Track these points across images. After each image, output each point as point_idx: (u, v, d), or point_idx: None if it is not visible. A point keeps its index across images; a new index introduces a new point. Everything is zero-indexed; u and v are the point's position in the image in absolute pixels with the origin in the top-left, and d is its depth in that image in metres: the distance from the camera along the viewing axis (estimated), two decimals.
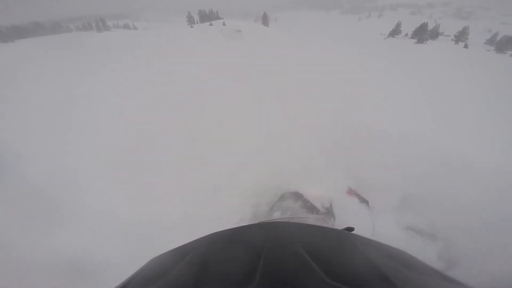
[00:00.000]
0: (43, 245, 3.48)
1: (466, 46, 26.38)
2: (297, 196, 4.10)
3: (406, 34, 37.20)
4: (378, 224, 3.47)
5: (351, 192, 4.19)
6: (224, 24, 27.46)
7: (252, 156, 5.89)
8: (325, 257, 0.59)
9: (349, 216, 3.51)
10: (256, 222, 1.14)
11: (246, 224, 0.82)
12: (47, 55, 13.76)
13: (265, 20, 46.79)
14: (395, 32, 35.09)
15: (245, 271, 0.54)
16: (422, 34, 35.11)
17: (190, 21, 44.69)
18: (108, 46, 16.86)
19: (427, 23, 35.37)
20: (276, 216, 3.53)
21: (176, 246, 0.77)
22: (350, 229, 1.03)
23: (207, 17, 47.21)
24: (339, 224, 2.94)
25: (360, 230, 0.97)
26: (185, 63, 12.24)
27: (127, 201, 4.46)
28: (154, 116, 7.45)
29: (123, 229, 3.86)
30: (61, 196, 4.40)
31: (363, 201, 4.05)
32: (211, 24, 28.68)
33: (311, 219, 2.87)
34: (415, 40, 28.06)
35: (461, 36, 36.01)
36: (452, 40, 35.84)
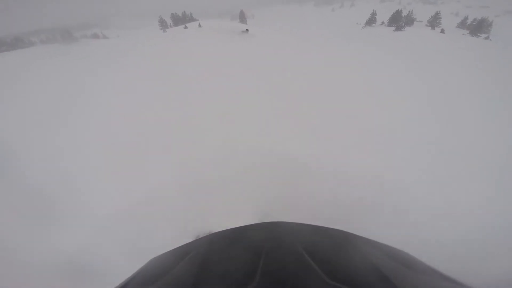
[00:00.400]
0: (42, 245, 3.47)
1: (442, 31, 26.99)
2: None
3: (382, 22, 37.80)
4: None
5: None
6: (200, 25, 26.23)
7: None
8: (325, 257, 0.58)
9: None
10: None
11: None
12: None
13: (242, 18, 45.86)
14: (371, 21, 35.45)
15: (245, 270, 0.53)
16: (398, 21, 35.79)
17: (163, 25, 42.77)
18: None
19: (401, 10, 36.05)
20: None
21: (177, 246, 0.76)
22: None
23: (181, 20, 45.51)
24: None
25: None
26: (178, 64, 12.30)
27: (127, 201, 4.40)
28: (154, 115, 7.49)
29: (123, 229, 3.81)
30: (60, 196, 4.42)
31: None
32: (185, 27, 27.34)
33: None
34: (393, 28, 28.38)
35: (434, 22, 37.02)
36: (426, 25, 36.74)
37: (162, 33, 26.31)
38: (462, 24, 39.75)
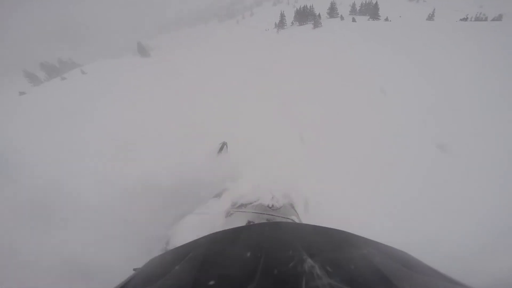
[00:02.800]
0: (42, 245, 3.44)
1: (354, 20, 29.05)
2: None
3: (292, 23, 39.44)
4: None
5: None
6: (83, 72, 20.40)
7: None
8: (325, 257, 0.59)
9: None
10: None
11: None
12: None
13: (142, 51, 40.68)
14: (282, 23, 36.25)
15: (245, 271, 0.54)
16: (305, 19, 37.84)
17: (32, 80, 33.50)
18: None
19: (309, 7, 38.01)
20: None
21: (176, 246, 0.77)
22: None
23: (56, 69, 36.39)
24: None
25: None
26: None
27: (128, 201, 4.26)
28: (155, 117, 7.70)
29: (123, 228, 3.69)
30: (60, 195, 4.41)
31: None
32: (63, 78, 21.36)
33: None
34: (311, 26, 29.21)
35: (332, 13, 40.68)
36: (327, 17, 39.90)
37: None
38: (353, 11, 45.17)
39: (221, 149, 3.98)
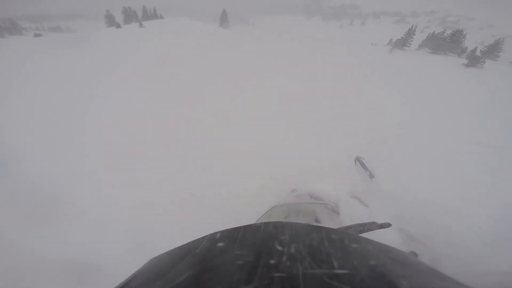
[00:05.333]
0: (42, 245, 3.43)
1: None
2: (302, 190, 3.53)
3: (419, 47, 26.02)
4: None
5: (353, 196, 3.47)
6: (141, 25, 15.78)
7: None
8: (325, 257, 0.53)
9: (353, 215, 2.79)
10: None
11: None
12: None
13: (223, 21, 34.49)
14: (404, 42, 23.32)
15: (245, 271, 0.48)
16: (445, 48, 24.10)
17: (110, 22, 31.15)
18: None
19: (463, 33, 24.61)
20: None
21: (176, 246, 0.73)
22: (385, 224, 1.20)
23: (135, 17, 34.08)
24: (344, 220, 2.59)
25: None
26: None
27: (127, 201, 4.30)
28: (156, 116, 7.28)
29: (123, 228, 3.75)
30: (60, 195, 4.46)
31: (364, 204, 3.33)
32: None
33: (320, 205, 2.82)
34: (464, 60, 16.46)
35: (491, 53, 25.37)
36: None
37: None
38: None
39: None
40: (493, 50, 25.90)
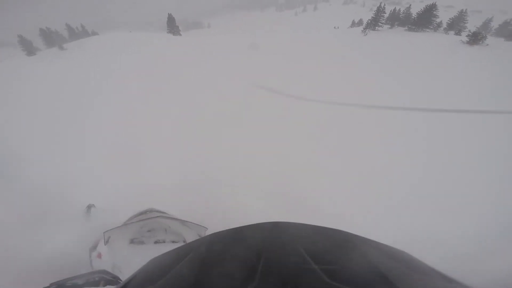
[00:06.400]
0: (42, 245, 3.48)
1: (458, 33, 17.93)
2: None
3: (381, 26, 28.31)
4: None
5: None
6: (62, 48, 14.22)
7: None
8: (325, 257, 0.59)
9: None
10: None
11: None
12: None
13: (172, 27, 31.72)
14: (375, 21, 25.00)
15: (245, 271, 0.54)
16: (395, 20, 26.69)
17: (28, 48, 24.36)
18: None
19: (398, 9, 27.18)
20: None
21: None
22: None
23: (58, 38, 29.25)
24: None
25: None
26: None
27: (128, 201, 4.37)
28: (156, 117, 8.13)
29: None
30: (60, 195, 4.50)
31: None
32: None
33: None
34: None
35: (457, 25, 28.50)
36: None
37: None
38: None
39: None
40: (458, 22, 28.48)
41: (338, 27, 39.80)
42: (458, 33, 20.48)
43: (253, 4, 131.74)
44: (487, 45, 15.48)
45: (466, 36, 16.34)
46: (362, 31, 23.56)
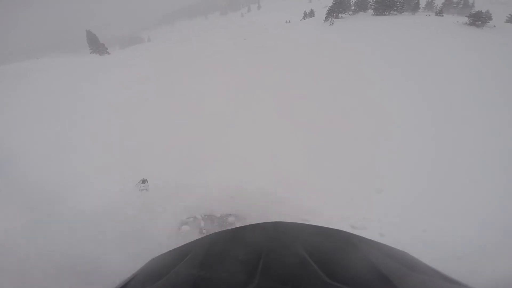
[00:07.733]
0: (42, 244, 3.34)
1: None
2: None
3: (334, 14, 25.46)
4: None
5: None
6: None
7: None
8: (325, 257, 0.58)
9: None
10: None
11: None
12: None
13: (96, 45, 26.62)
14: (338, 8, 22.05)
15: (245, 271, 0.53)
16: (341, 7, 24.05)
17: None
18: None
19: None
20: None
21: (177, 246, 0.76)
22: None
23: None
24: None
25: None
26: None
27: (127, 201, 4.30)
28: (155, 115, 7.50)
29: (123, 228, 3.65)
30: (59, 195, 4.39)
31: None
32: None
33: None
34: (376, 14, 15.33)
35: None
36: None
37: None
38: None
39: None
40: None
41: (289, 21, 37.39)
42: (439, 13, 18.38)
43: (195, 12, 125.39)
44: (494, 26, 13.56)
45: (466, 16, 14.58)
46: (324, 21, 20.16)
